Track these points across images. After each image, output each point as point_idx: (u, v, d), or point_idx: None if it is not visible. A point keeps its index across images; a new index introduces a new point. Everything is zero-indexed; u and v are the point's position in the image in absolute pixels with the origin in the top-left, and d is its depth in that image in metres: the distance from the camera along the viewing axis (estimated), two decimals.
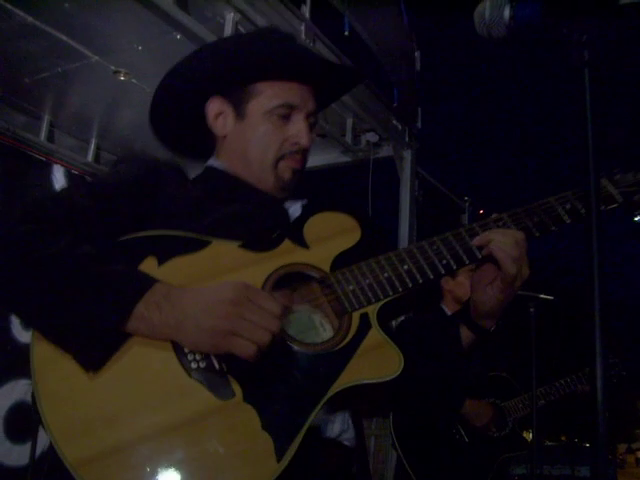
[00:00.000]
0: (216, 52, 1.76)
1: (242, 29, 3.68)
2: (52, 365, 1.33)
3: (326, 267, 1.55)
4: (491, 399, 4.16)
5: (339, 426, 1.55)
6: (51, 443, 1.29)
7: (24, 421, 4.49)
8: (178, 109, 1.78)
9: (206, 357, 1.37)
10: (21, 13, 3.56)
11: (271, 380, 1.38)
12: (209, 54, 1.76)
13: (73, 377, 1.32)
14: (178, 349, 1.37)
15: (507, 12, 1.37)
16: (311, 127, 1.73)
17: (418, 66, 5.97)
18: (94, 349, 1.31)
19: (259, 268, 1.50)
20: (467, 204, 7.09)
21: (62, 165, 5.06)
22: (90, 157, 5.30)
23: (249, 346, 1.29)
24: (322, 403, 1.38)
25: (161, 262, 1.45)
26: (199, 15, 3.63)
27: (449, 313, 3.99)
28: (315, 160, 5.49)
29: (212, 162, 1.80)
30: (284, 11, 3.99)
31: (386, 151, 5.57)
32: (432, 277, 1.57)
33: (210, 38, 3.51)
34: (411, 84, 5.83)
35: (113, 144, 5.33)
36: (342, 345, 1.46)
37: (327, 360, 1.43)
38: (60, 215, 1.45)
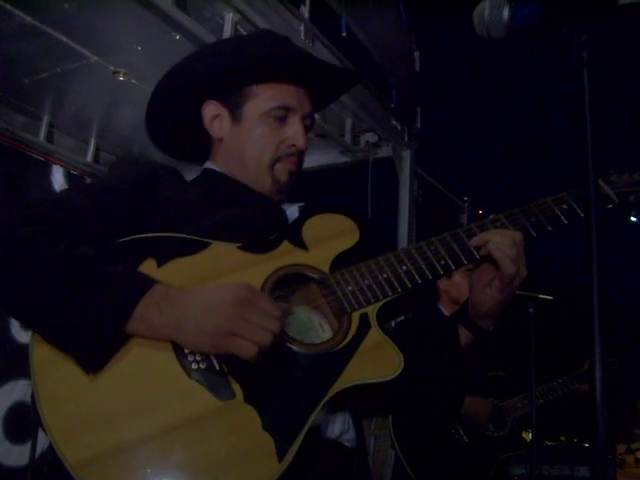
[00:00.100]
0: (212, 55, 1.76)
1: (241, 29, 3.68)
2: (52, 366, 1.33)
3: (325, 268, 1.56)
4: (490, 399, 4.15)
5: (340, 426, 1.55)
6: (51, 444, 1.29)
7: (23, 421, 4.50)
8: (174, 112, 1.78)
9: (206, 358, 1.37)
10: (20, 13, 3.56)
11: (271, 381, 1.38)
12: (205, 57, 1.76)
13: (73, 378, 1.32)
14: (178, 350, 1.37)
15: (506, 12, 1.37)
16: (307, 129, 1.74)
17: (417, 66, 5.97)
18: (94, 350, 1.31)
19: (258, 269, 1.51)
20: (466, 204, 7.09)
21: (61, 165, 5.06)
22: (89, 157, 5.30)
23: (250, 347, 1.30)
24: (323, 403, 1.38)
25: (160, 264, 1.45)
26: (198, 15, 3.63)
27: (446, 313, 4.00)
28: (314, 160, 5.49)
29: (209, 165, 1.81)
30: (283, 11, 3.99)
31: (385, 151, 5.57)
32: (431, 278, 1.58)
33: (209, 38, 3.51)
34: (410, 84, 5.83)
35: (112, 144, 5.33)
36: (342, 345, 1.46)
37: (327, 360, 1.43)
38: (59, 217, 1.45)
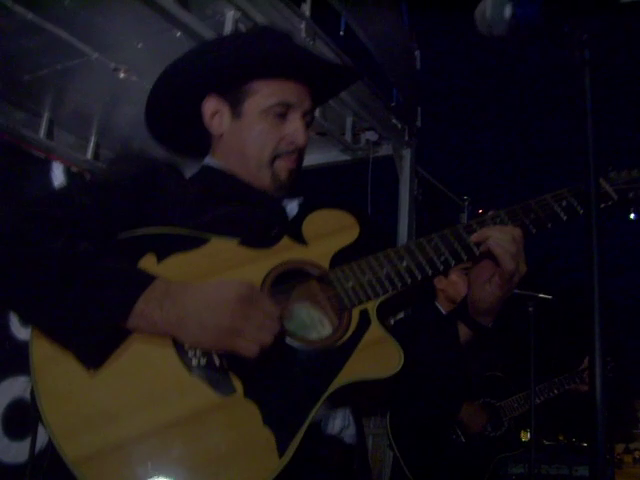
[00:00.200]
0: (213, 51, 1.75)
1: (242, 27, 3.68)
2: (52, 362, 1.33)
3: (325, 264, 1.56)
4: (487, 399, 4.16)
5: (340, 422, 1.55)
6: (50, 440, 1.29)
7: (23, 418, 4.49)
8: (174, 108, 1.78)
9: (207, 353, 1.37)
10: (21, 10, 3.55)
11: (272, 376, 1.39)
12: (206, 53, 1.75)
13: (73, 374, 1.32)
14: (178, 346, 1.37)
15: (508, 11, 1.37)
16: (307, 125, 1.74)
17: (418, 65, 5.97)
18: (94, 346, 1.31)
19: (258, 265, 1.51)
20: (466, 203, 7.09)
21: (61, 162, 5.04)
22: (89, 154, 5.28)
23: (251, 346, 1.31)
24: (323, 399, 1.38)
25: (160, 259, 1.46)
26: (199, 13, 3.62)
27: (444, 312, 4.01)
28: (314, 158, 5.49)
29: (208, 161, 1.80)
30: (284, 9, 3.99)
31: (385, 150, 5.56)
32: (430, 274, 1.58)
33: (210, 36, 3.50)
34: (411, 83, 5.83)
35: (112, 141, 5.32)
36: (342, 341, 1.46)
37: (327, 356, 1.44)
38: (59, 214, 1.44)
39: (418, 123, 5.86)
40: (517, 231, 1.59)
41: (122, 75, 4.23)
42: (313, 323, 1.53)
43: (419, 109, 5.93)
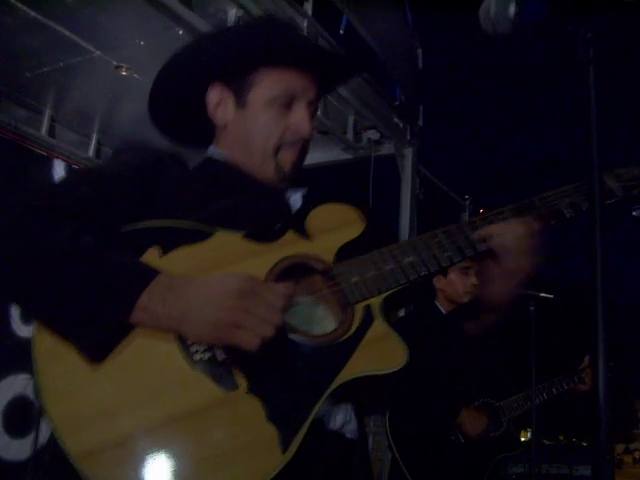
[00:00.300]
0: (217, 40, 1.74)
1: None
2: (54, 356, 1.33)
3: (329, 259, 1.55)
4: (486, 399, 4.16)
5: (342, 418, 1.55)
6: (52, 435, 1.29)
7: (23, 416, 4.49)
8: (178, 97, 1.77)
9: (210, 348, 1.37)
10: (23, 7, 3.55)
11: (275, 372, 1.38)
12: (210, 42, 1.74)
13: (76, 368, 1.32)
14: (181, 340, 1.37)
15: (512, 8, 1.37)
16: (312, 115, 1.73)
17: (420, 64, 5.96)
18: (97, 340, 1.31)
19: (262, 259, 1.50)
20: (467, 202, 7.09)
21: (63, 160, 5.04)
22: (91, 152, 5.28)
23: (252, 339, 1.30)
24: (326, 395, 1.38)
25: (164, 252, 1.45)
26: (201, 11, 3.62)
27: (443, 311, 4.02)
28: (316, 157, 5.48)
29: (212, 151, 1.79)
30: (286, 7, 3.98)
31: (387, 149, 5.56)
32: (434, 270, 1.58)
33: None
34: (413, 82, 5.82)
35: (114, 139, 5.31)
36: (346, 337, 1.46)
37: (331, 352, 1.43)
38: (62, 205, 1.44)
39: (420, 122, 5.85)
40: (521, 228, 1.58)
41: (124, 73, 4.23)
42: (317, 318, 1.53)
43: (421, 108, 5.92)
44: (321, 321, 1.53)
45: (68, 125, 5.15)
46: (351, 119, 5.21)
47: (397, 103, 5.42)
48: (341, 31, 4.72)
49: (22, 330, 4.54)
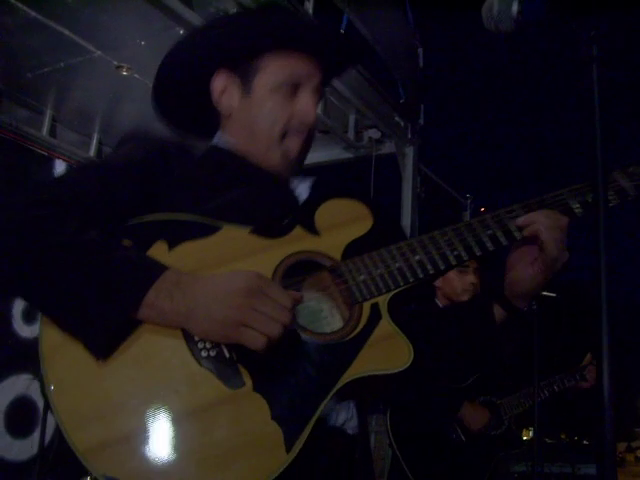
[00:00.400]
0: (221, 26, 1.72)
1: None
2: (61, 351, 1.33)
3: (337, 255, 1.54)
4: (487, 397, 4.16)
5: (344, 415, 1.55)
6: (56, 433, 1.29)
7: (25, 416, 4.50)
8: (182, 85, 1.75)
9: (216, 345, 1.36)
10: (24, 8, 3.55)
11: (281, 370, 1.38)
12: (214, 28, 1.72)
13: (82, 363, 1.31)
14: (188, 337, 1.36)
15: (515, 7, 1.36)
16: (317, 101, 1.72)
17: (421, 63, 5.96)
18: (103, 337, 1.30)
19: (270, 255, 1.49)
20: (469, 201, 7.09)
21: (64, 160, 5.05)
22: (92, 152, 5.29)
23: (259, 338, 1.29)
24: (332, 394, 1.38)
25: (171, 247, 1.44)
26: (202, 10, 3.62)
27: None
28: (317, 156, 5.48)
29: (218, 139, 1.78)
30: (287, 7, 3.98)
31: (388, 148, 5.56)
32: (443, 268, 1.57)
33: None
34: (414, 81, 5.82)
35: (115, 139, 5.29)
36: (352, 335, 1.45)
37: (337, 350, 1.43)
38: (67, 199, 1.43)
39: (421, 121, 5.85)
40: (563, 218, 1.57)
41: (125, 73, 4.24)
42: (324, 316, 1.53)
43: (422, 107, 5.92)
44: (328, 319, 1.52)
45: (69, 125, 5.16)
46: (352, 118, 5.21)
47: (402, 101, 5.42)
48: (342, 30, 4.73)
49: (24, 330, 4.55)
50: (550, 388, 4.29)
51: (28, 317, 4.55)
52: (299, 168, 1.74)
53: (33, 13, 3.61)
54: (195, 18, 3.54)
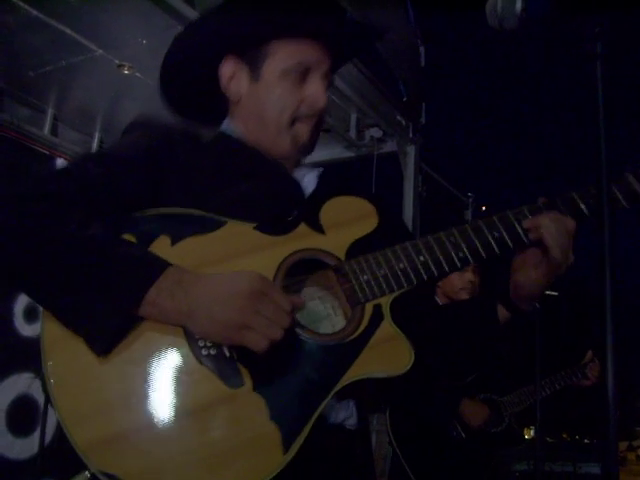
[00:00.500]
0: (229, 11, 1.68)
1: None
2: (62, 345, 1.33)
3: (341, 254, 1.53)
4: (487, 394, 4.16)
5: (343, 414, 1.55)
6: (57, 431, 1.29)
7: (26, 414, 4.50)
8: (190, 71, 1.73)
9: (217, 344, 1.36)
10: (26, 6, 3.55)
11: (281, 370, 1.38)
12: (222, 14, 1.68)
13: (83, 359, 1.31)
14: (189, 335, 1.36)
15: (519, 4, 1.36)
16: (327, 87, 1.70)
17: (422, 61, 5.95)
18: (104, 333, 1.30)
19: (273, 252, 1.48)
20: (470, 200, 7.09)
21: (65, 159, 5.04)
22: (93, 151, 5.28)
23: (261, 340, 1.29)
24: (331, 395, 1.38)
25: (174, 242, 1.43)
26: (204, 9, 3.61)
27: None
28: (319, 155, 5.47)
29: (226, 126, 1.76)
30: None
31: (390, 146, 5.55)
32: (448, 270, 1.56)
33: None
34: (415, 79, 5.81)
35: (116, 138, 5.29)
36: (354, 337, 1.45)
37: (338, 352, 1.43)
38: (71, 191, 1.42)
39: (422, 120, 5.84)
40: (571, 222, 1.56)
41: (126, 72, 4.23)
42: (328, 314, 1.52)
43: (423, 106, 5.91)
44: (331, 318, 1.52)
45: (70, 124, 5.15)
46: (354, 117, 5.21)
47: (405, 99, 5.41)
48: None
49: (25, 329, 4.55)
50: (551, 386, 4.29)
51: (29, 316, 4.55)
52: (310, 151, 1.72)
53: (35, 12, 3.60)
54: (197, 16, 3.53)
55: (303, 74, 1.65)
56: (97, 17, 3.70)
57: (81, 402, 1.30)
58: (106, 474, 1.25)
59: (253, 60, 1.67)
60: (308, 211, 1.57)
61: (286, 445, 1.31)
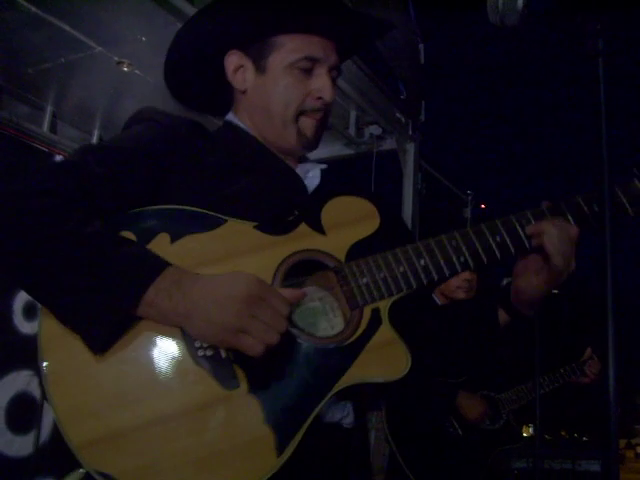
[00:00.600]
0: (235, 3, 1.66)
1: None
2: (59, 343, 1.33)
3: (341, 256, 1.52)
4: (484, 391, 4.16)
5: (340, 414, 1.55)
6: (54, 429, 1.29)
7: (26, 412, 4.49)
8: (195, 62, 1.72)
9: (213, 345, 1.36)
10: (25, 3, 3.53)
11: (277, 373, 1.37)
12: (228, 5, 1.66)
13: (80, 357, 1.32)
14: (186, 336, 1.36)
15: (521, 0, 1.35)
16: (333, 81, 1.69)
17: (422, 59, 5.95)
18: (101, 332, 1.30)
19: (273, 252, 1.47)
20: (470, 198, 7.08)
21: (64, 156, 5.02)
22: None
23: (257, 345, 1.29)
24: (326, 399, 1.37)
25: (174, 239, 1.42)
26: (203, 6, 3.60)
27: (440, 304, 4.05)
28: (318, 153, 5.40)
29: (231, 118, 1.76)
30: None
31: (389, 144, 5.55)
32: (448, 274, 1.54)
33: None
34: (415, 77, 5.81)
35: (115, 134, 5.28)
36: (351, 340, 1.44)
37: (335, 355, 1.42)
38: (73, 185, 1.40)
39: (422, 117, 5.84)
40: (574, 230, 1.54)
41: (125, 69, 4.21)
42: (327, 316, 1.51)
43: (423, 103, 5.91)
44: (331, 319, 1.51)
45: (69, 121, 5.14)
46: (353, 114, 5.19)
47: (403, 97, 5.41)
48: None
49: (25, 326, 4.54)
50: (551, 385, 4.29)
51: (29, 313, 4.54)
52: (316, 146, 1.71)
53: (34, 9, 3.59)
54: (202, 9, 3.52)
55: (309, 67, 1.64)
56: (96, 14, 3.68)
57: (77, 400, 1.30)
58: (101, 473, 1.25)
59: (258, 53, 1.66)
60: (309, 211, 1.55)
61: (280, 448, 1.31)
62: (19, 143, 4.70)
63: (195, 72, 1.75)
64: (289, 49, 1.63)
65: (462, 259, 1.54)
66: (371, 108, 5.12)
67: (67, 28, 3.78)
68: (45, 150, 4.92)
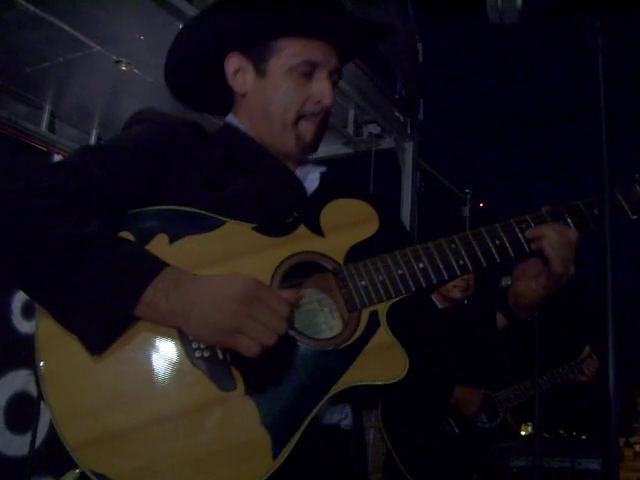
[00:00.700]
0: (237, 6, 1.65)
1: None
2: (56, 343, 1.32)
3: (340, 258, 1.51)
4: (481, 389, 4.16)
5: (338, 415, 1.55)
6: (50, 430, 1.28)
7: (24, 411, 4.49)
8: (196, 64, 1.72)
9: (211, 347, 1.36)
10: (23, 2, 3.53)
11: (274, 374, 1.37)
12: (229, 8, 1.66)
13: (77, 357, 1.31)
14: (184, 336, 1.35)
15: None
16: (334, 85, 1.69)
17: (420, 58, 5.95)
18: (98, 332, 1.30)
19: (272, 254, 1.47)
20: (468, 196, 7.09)
21: (63, 156, 5.03)
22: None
23: (253, 346, 1.28)
24: (323, 402, 1.37)
25: (172, 240, 1.42)
26: (202, 5, 3.59)
27: (440, 306, 4.05)
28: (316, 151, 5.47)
29: (231, 119, 1.75)
30: None
31: (388, 143, 5.55)
32: (447, 278, 1.53)
33: None
34: (413, 76, 5.81)
35: (114, 134, 5.28)
36: (349, 343, 1.43)
37: (332, 357, 1.41)
38: (69, 187, 1.40)
39: (420, 116, 5.84)
40: (574, 234, 1.54)
41: (124, 68, 4.21)
42: (325, 318, 1.51)
43: (421, 102, 5.91)
44: (329, 321, 1.50)
45: (68, 120, 5.14)
46: (352, 113, 5.20)
47: (397, 97, 5.41)
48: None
49: (23, 326, 4.55)
50: (549, 383, 4.29)
51: (27, 312, 4.55)
52: (315, 150, 1.71)
53: (32, 8, 3.59)
54: (195, 13, 3.52)
55: (309, 71, 1.63)
56: (95, 14, 3.68)
57: (74, 400, 1.29)
58: (96, 473, 1.25)
59: (259, 56, 1.65)
60: (308, 213, 1.55)
61: (276, 450, 1.31)
62: (17, 142, 4.70)
63: (196, 73, 1.75)
64: (289, 53, 1.62)
65: (461, 262, 1.53)
66: (370, 107, 5.13)
67: (66, 27, 3.78)
68: (44, 149, 4.93)
